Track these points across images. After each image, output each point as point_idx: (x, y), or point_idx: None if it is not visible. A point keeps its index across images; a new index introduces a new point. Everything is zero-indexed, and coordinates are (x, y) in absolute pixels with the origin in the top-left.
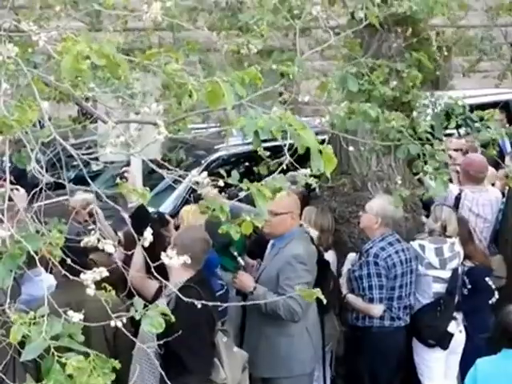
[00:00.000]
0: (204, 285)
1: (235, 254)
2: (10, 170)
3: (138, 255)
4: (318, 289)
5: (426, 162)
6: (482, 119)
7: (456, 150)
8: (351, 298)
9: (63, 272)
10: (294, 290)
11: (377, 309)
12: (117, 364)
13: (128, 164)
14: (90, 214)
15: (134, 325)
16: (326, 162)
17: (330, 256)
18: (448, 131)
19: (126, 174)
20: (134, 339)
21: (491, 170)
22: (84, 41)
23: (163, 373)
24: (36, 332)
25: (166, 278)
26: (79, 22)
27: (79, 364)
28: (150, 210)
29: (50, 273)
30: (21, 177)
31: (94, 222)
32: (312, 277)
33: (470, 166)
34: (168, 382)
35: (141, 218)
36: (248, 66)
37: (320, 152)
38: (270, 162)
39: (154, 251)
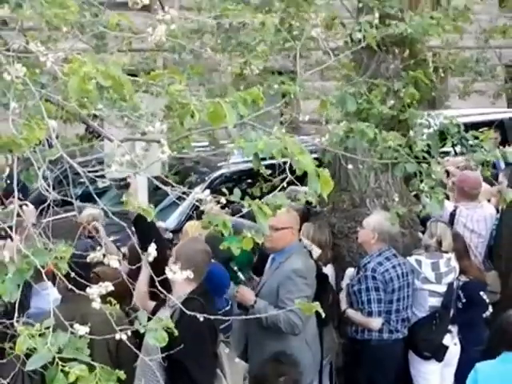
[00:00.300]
0: (206, 297)
1: (235, 268)
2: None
3: (144, 272)
4: (318, 302)
5: (422, 181)
6: (476, 138)
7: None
8: (351, 312)
9: (70, 286)
10: (294, 304)
11: (375, 322)
12: (122, 375)
13: None
14: (94, 230)
15: (138, 336)
16: (322, 184)
17: (328, 270)
18: (445, 149)
19: (129, 180)
20: (137, 352)
21: (486, 186)
22: (90, 62)
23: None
24: (41, 343)
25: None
26: (85, 44)
27: (82, 373)
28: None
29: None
30: (22, 194)
31: (93, 238)
32: (311, 290)
33: (465, 182)
34: None
35: (145, 231)
36: (250, 85)
37: (318, 175)
38: (263, 184)
39: (158, 265)
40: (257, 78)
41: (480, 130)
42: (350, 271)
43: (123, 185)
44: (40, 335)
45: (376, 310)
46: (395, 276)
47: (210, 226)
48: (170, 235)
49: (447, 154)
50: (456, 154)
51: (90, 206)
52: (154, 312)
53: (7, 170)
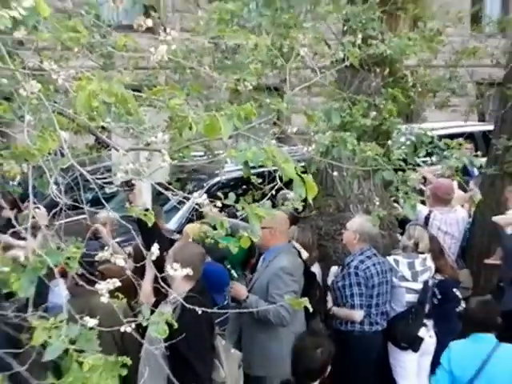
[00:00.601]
0: (203, 294)
1: (228, 267)
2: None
3: (149, 272)
4: (306, 298)
5: (397, 188)
6: (448, 147)
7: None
8: (336, 310)
9: (80, 282)
10: (283, 298)
11: (358, 314)
12: (128, 361)
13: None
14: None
15: (142, 329)
16: (307, 189)
17: (315, 269)
18: (423, 159)
19: (133, 182)
20: (142, 341)
21: (459, 192)
22: (96, 80)
23: (171, 374)
24: (56, 335)
25: (169, 286)
26: (94, 63)
27: (95, 362)
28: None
29: None
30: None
31: (98, 238)
32: (298, 286)
33: (439, 189)
34: (175, 381)
35: (148, 232)
36: (244, 101)
37: (302, 181)
38: (255, 192)
39: (160, 263)
40: (250, 94)
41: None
42: (335, 269)
43: (129, 187)
44: (55, 328)
45: (358, 303)
46: (375, 273)
47: (209, 226)
48: (176, 236)
49: (425, 162)
50: (432, 163)
51: (99, 210)
52: (154, 307)
53: (18, 177)
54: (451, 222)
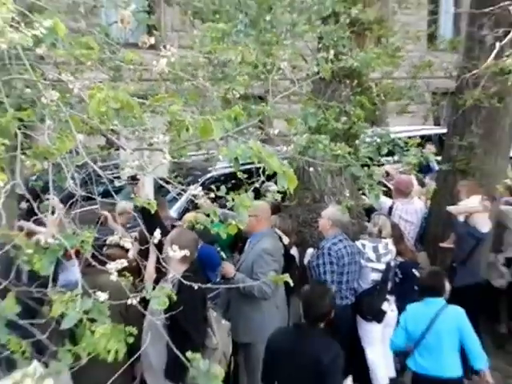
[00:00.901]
0: (197, 273)
1: (218, 249)
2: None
3: (152, 256)
4: (287, 274)
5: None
6: (407, 146)
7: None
8: None
9: (93, 263)
10: (265, 276)
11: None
12: (133, 330)
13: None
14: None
15: (145, 302)
16: (288, 181)
17: (294, 252)
18: (386, 158)
19: (138, 176)
20: (145, 313)
21: (417, 187)
22: (106, 89)
23: (170, 341)
24: (72, 307)
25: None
26: (105, 75)
27: (104, 331)
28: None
29: None
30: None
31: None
32: (278, 265)
33: (400, 184)
34: (173, 347)
35: (150, 220)
36: (233, 106)
37: (284, 173)
38: (247, 186)
39: (160, 246)
40: (238, 102)
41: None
42: (310, 250)
43: (134, 181)
44: (71, 301)
45: (329, 279)
46: (346, 253)
47: (203, 214)
48: (179, 223)
49: (388, 161)
50: (395, 161)
51: (110, 201)
52: (155, 284)
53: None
54: (411, 212)
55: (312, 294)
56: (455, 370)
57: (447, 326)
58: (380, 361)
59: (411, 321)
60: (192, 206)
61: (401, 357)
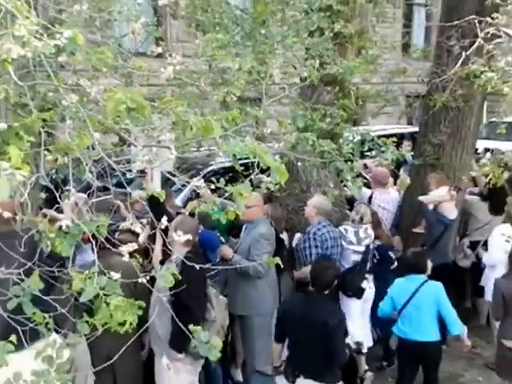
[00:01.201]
0: (199, 255)
1: (218, 235)
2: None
3: (159, 241)
4: (278, 257)
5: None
6: (385, 144)
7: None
8: (296, 274)
9: (107, 245)
10: (260, 257)
11: None
12: (143, 304)
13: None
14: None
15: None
16: (280, 175)
17: (284, 236)
18: (367, 153)
19: (146, 170)
20: (152, 289)
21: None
22: (121, 92)
23: (174, 314)
24: (90, 284)
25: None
26: (117, 80)
27: (118, 303)
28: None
29: None
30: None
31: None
32: (272, 248)
33: (377, 175)
34: (177, 320)
35: (156, 208)
36: (231, 109)
37: (277, 168)
38: (243, 179)
39: (166, 231)
40: (235, 104)
41: (389, 139)
42: (298, 235)
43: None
44: (89, 278)
45: (314, 259)
46: (329, 238)
47: (205, 203)
48: (183, 210)
49: (367, 156)
50: (372, 156)
51: (123, 191)
52: (161, 264)
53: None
54: (388, 200)
55: (319, 266)
56: (433, 335)
57: (427, 298)
58: (360, 333)
59: (396, 293)
60: (195, 195)
61: (383, 325)
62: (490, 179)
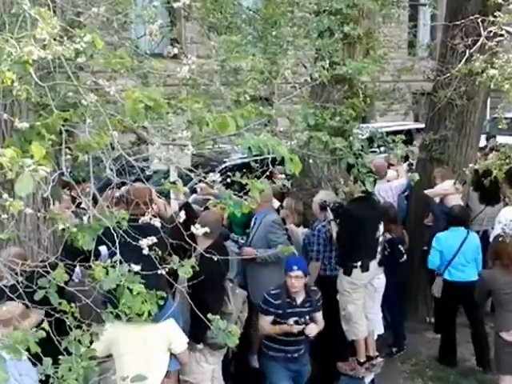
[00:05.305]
0: (220, 248)
1: (235, 238)
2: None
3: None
4: (292, 246)
5: (358, 170)
6: (394, 141)
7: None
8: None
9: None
10: (278, 242)
11: (315, 265)
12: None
13: (167, 171)
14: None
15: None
16: (294, 165)
17: (301, 229)
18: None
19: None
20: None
21: (390, 170)
22: (139, 91)
23: (192, 304)
24: (112, 272)
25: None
26: (134, 81)
27: (140, 289)
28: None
29: None
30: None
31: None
32: (285, 236)
33: (377, 167)
34: (196, 310)
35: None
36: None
37: (291, 159)
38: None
39: (187, 224)
40: (248, 103)
41: (397, 135)
42: (305, 230)
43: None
44: (112, 267)
45: (318, 256)
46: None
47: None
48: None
49: (375, 152)
50: (380, 152)
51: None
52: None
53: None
54: (386, 189)
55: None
56: (476, 275)
57: (471, 247)
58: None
59: (444, 244)
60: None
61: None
62: (477, 169)
